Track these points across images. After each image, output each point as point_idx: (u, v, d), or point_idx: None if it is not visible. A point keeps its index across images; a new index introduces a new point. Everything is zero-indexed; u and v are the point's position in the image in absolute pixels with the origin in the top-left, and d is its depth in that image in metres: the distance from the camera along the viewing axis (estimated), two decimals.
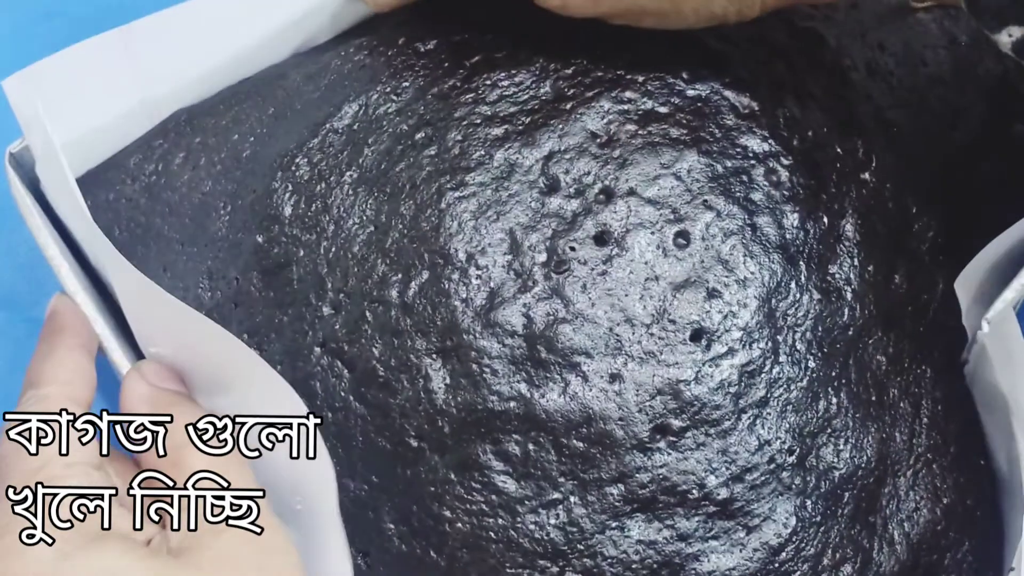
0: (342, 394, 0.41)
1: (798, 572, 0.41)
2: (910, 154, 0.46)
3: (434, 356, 0.41)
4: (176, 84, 0.46)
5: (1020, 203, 0.46)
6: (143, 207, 0.45)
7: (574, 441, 0.41)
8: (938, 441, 0.44)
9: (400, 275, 0.41)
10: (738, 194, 0.43)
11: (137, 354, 0.44)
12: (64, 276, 0.43)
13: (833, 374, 0.43)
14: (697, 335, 0.41)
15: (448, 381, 0.41)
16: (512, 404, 0.40)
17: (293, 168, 0.43)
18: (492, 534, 0.41)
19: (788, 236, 0.43)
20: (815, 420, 0.42)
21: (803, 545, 0.42)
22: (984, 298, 0.46)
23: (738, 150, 0.43)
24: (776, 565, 0.41)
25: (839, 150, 0.44)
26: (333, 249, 0.42)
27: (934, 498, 0.44)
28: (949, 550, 0.44)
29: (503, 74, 0.43)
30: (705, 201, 0.42)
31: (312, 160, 0.43)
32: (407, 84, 0.43)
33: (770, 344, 0.42)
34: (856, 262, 0.44)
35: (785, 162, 0.43)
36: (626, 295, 0.41)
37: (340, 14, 0.48)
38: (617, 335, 0.41)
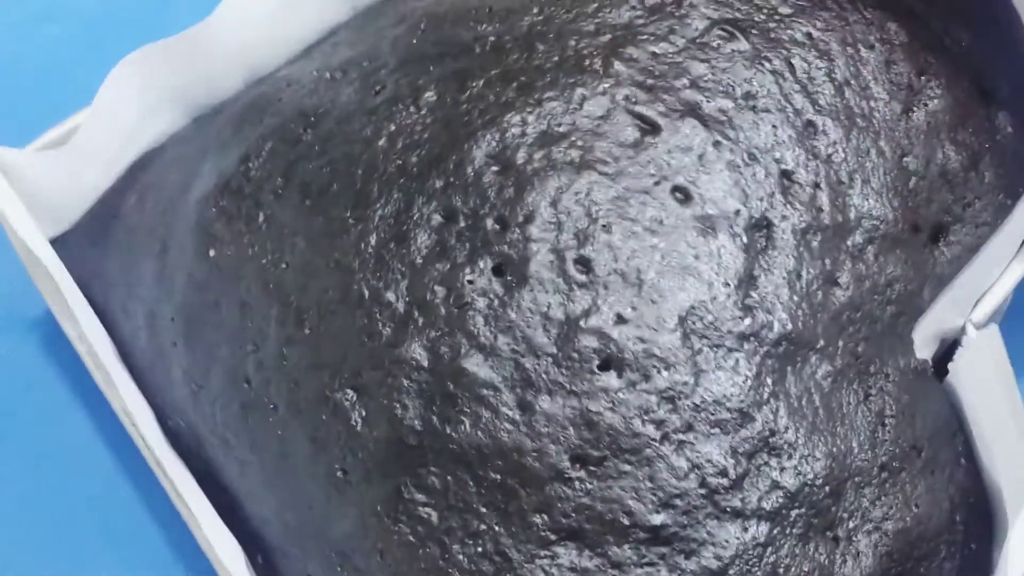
0: (271, 430, 0.42)
1: None
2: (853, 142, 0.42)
3: (348, 391, 0.41)
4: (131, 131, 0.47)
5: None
6: (99, 256, 0.47)
7: (491, 473, 0.40)
8: (905, 447, 0.41)
9: (311, 311, 0.41)
10: (638, 215, 0.40)
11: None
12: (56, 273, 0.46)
13: (766, 393, 0.40)
14: (606, 363, 0.40)
15: (364, 415, 0.41)
16: (425, 439, 0.40)
17: (214, 211, 0.43)
18: (423, 564, 0.41)
19: (698, 253, 0.40)
20: (750, 440, 0.40)
21: (749, 567, 0.40)
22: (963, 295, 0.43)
23: (637, 168, 0.40)
24: None
25: (758, 152, 0.40)
26: (253, 289, 0.42)
27: (904, 506, 0.41)
28: (925, 559, 0.41)
29: (403, 111, 0.42)
30: (604, 225, 0.40)
31: (231, 201, 0.43)
32: (313, 119, 0.43)
33: (689, 366, 0.40)
34: (784, 273, 0.40)
35: (691, 176, 0.40)
36: (528, 326, 0.40)
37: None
38: (523, 367, 0.40)
